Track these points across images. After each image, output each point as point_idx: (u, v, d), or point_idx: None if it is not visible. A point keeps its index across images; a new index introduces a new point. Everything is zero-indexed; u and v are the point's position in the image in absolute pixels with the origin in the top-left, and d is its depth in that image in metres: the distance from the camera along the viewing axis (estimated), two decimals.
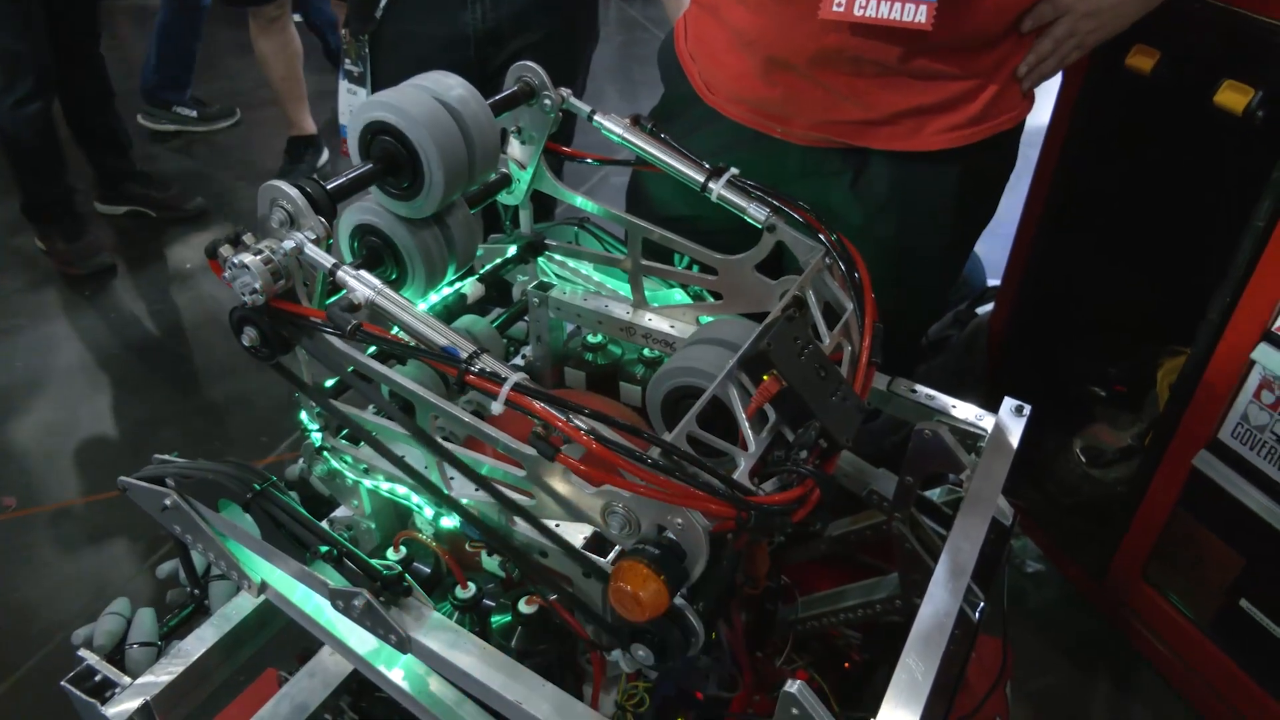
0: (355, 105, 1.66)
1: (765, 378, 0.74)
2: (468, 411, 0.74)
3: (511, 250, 1.09)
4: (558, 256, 1.11)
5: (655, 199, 1.21)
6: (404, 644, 0.76)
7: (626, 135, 0.96)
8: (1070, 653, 1.65)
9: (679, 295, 1.08)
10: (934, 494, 1.01)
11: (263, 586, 0.86)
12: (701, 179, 0.94)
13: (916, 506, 0.97)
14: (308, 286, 0.77)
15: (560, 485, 0.72)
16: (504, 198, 1.05)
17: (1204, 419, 1.32)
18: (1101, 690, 1.61)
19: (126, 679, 0.89)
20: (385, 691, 0.83)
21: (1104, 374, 1.71)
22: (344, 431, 0.89)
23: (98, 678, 0.90)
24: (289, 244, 0.72)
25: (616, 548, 0.75)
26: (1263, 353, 1.22)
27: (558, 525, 0.77)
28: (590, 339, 1.14)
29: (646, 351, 1.11)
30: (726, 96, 1.14)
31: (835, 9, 0.95)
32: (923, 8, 0.91)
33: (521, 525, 0.78)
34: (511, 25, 1.62)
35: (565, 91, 0.97)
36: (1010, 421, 0.98)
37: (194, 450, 2.05)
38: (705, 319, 1.00)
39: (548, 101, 0.97)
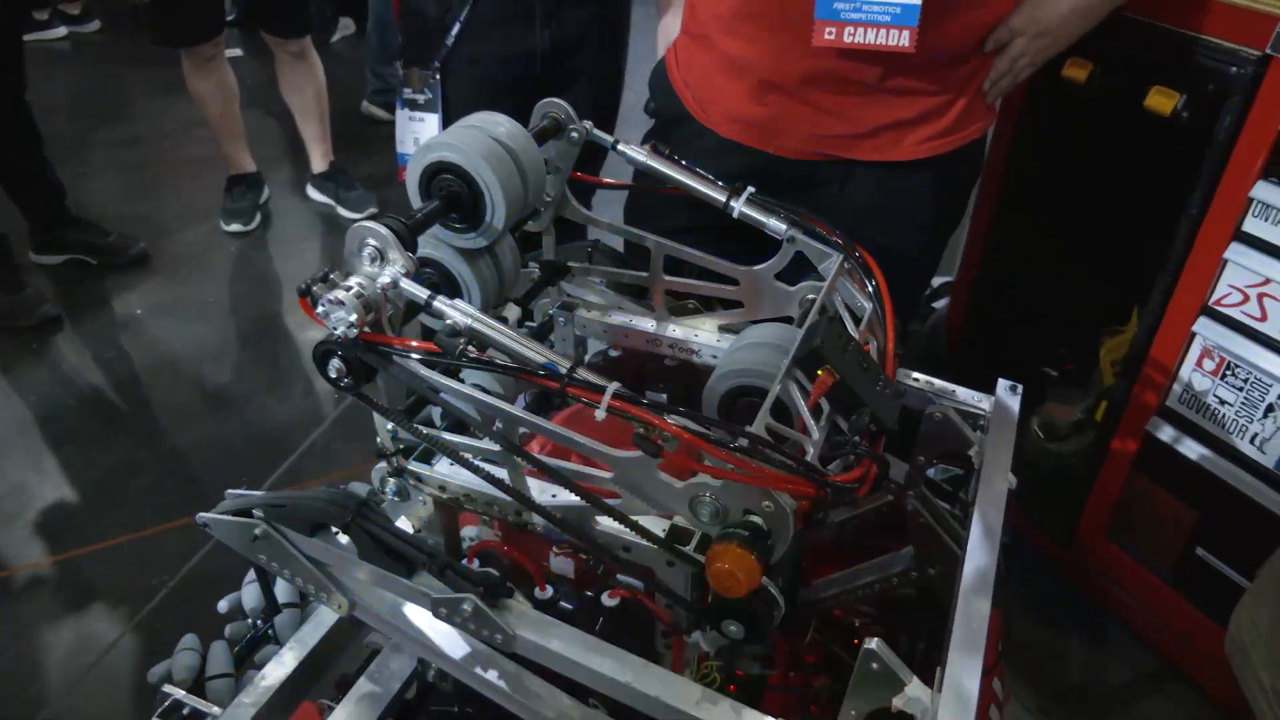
0: (423, 132, 1.73)
1: (819, 372, 0.84)
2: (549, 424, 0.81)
3: (536, 273, 1.16)
4: (578, 279, 1.18)
5: (655, 218, 1.29)
6: (509, 641, 0.81)
7: (650, 162, 1.04)
8: (1044, 616, 1.79)
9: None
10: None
11: (353, 605, 0.90)
12: (723, 199, 1.03)
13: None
14: (392, 318, 0.83)
15: (649, 484, 0.79)
16: (529, 225, 1.12)
17: (1154, 389, 1.47)
18: (1075, 648, 1.75)
19: (216, 709, 0.92)
20: (481, 692, 0.89)
21: (1054, 355, 1.87)
22: (414, 454, 0.94)
23: (186, 710, 0.93)
24: (385, 279, 0.78)
25: (696, 537, 0.84)
26: (1202, 325, 1.38)
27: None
28: (612, 354, 1.21)
29: (667, 363, 1.19)
30: (721, 117, 1.23)
31: (827, 37, 1.06)
32: (905, 32, 1.03)
33: (603, 524, 0.85)
34: (572, 42, 1.71)
35: (588, 124, 1.05)
36: (1008, 398, 1.10)
37: (175, 494, 2.05)
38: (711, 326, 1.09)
39: (574, 134, 1.04)
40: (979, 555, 0.90)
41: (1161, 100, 1.34)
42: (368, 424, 2.47)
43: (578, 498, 0.85)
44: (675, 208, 1.25)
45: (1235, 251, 1.30)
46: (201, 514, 0.93)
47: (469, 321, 0.77)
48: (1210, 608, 1.50)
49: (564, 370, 0.75)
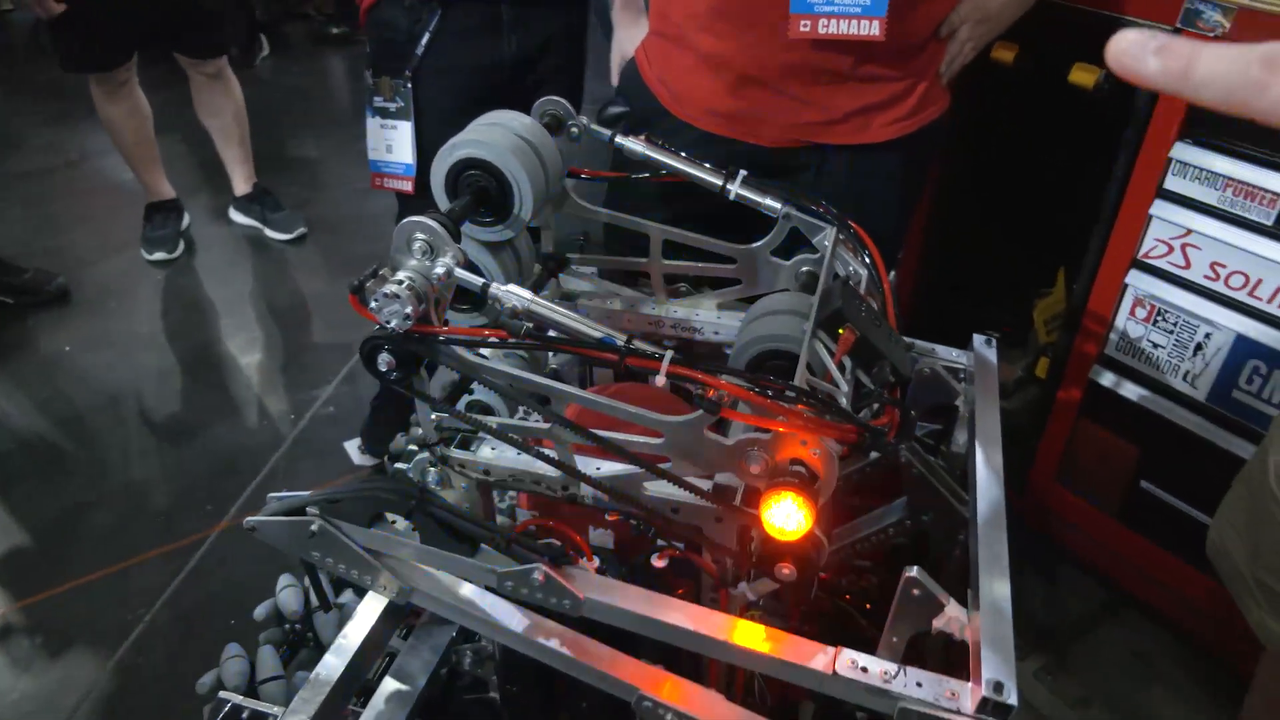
0: (396, 140, 1.75)
1: (841, 331, 0.91)
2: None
3: (537, 267, 1.20)
4: (576, 269, 1.23)
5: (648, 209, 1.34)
6: (578, 605, 0.86)
7: (648, 152, 1.10)
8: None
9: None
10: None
11: (410, 592, 0.93)
12: (719, 182, 1.09)
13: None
14: (438, 309, 0.86)
15: (699, 445, 0.85)
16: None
17: (1093, 339, 1.61)
18: (1037, 589, 1.88)
19: (276, 709, 0.93)
20: (545, 661, 0.92)
21: (992, 320, 2.00)
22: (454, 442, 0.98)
23: (245, 714, 0.94)
24: (439, 269, 0.82)
25: (739, 493, 0.90)
26: (1133, 277, 1.52)
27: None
28: None
29: (666, 343, 1.25)
30: (699, 111, 1.30)
31: (802, 29, 1.14)
32: (875, 22, 1.12)
33: (651, 489, 0.91)
34: (538, 49, 1.75)
35: (584, 120, 1.10)
36: (984, 350, 1.20)
37: (138, 528, 2.00)
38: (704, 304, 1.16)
39: (574, 130, 1.09)
40: (988, 487, 0.99)
41: (1084, 76, 1.47)
42: (331, 442, 2.51)
43: (621, 469, 0.91)
44: (663, 198, 1.32)
45: (1159, 208, 1.44)
46: (249, 518, 0.94)
47: (527, 304, 0.82)
48: (1157, 536, 1.65)
49: (621, 343, 0.81)
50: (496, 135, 0.93)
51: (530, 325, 0.81)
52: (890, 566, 1.34)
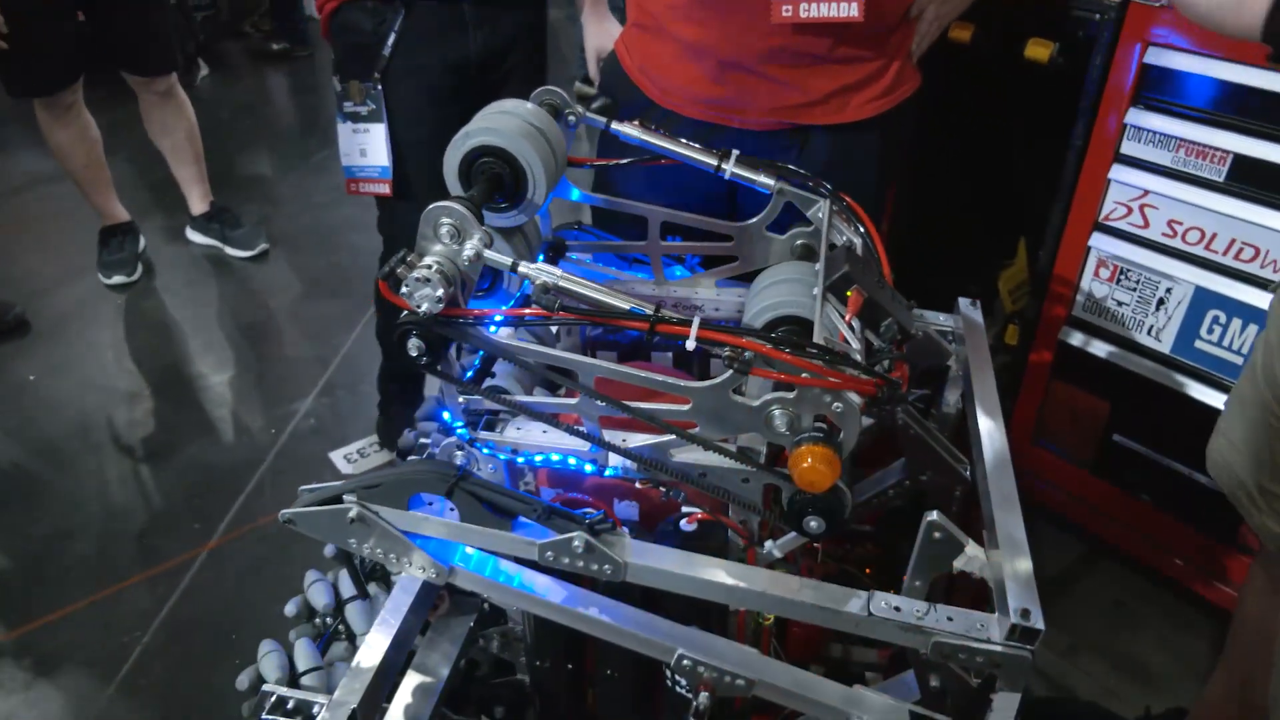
0: (369, 143, 1.76)
1: (849, 294, 0.96)
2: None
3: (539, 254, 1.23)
4: (575, 255, 1.26)
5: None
6: (619, 570, 0.89)
7: (645, 136, 1.14)
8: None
9: (680, 270, 1.28)
10: None
11: (451, 572, 0.95)
12: (714, 163, 1.13)
13: None
14: (465, 293, 0.89)
15: (726, 408, 0.89)
16: None
17: (1061, 302, 1.69)
18: None
19: (323, 697, 0.95)
20: (585, 630, 0.95)
21: (958, 291, 2.07)
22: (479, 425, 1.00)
23: (291, 704, 0.95)
24: (469, 251, 0.85)
25: (762, 455, 0.94)
26: (1096, 239, 1.60)
27: (705, 451, 0.94)
28: None
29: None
30: (682, 99, 1.34)
31: (784, 14, 1.19)
32: (854, 4, 1.17)
33: (679, 456, 0.94)
34: (503, 47, 1.77)
35: (580, 109, 1.14)
36: (970, 312, 1.26)
37: (124, 553, 1.97)
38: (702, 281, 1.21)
39: (571, 119, 1.13)
40: (991, 434, 1.05)
41: (1039, 50, 1.55)
42: (315, 454, 2.50)
43: (649, 439, 0.94)
44: (653, 183, 1.35)
45: (1117, 171, 1.53)
46: (284, 510, 0.95)
47: (557, 279, 0.85)
48: (1131, 486, 1.73)
49: (649, 312, 0.84)
50: (508, 123, 0.96)
51: (560, 302, 0.84)
52: (887, 532, 1.40)
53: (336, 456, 2.26)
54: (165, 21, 2.82)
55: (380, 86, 1.69)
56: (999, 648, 0.83)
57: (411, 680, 1.08)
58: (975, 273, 2.08)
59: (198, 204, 3.19)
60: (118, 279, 3.01)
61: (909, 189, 1.94)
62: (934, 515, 0.90)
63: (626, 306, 0.85)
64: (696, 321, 0.83)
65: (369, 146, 1.73)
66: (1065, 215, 1.62)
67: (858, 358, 0.93)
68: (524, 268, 0.85)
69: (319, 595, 1.09)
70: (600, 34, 1.65)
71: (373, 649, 0.98)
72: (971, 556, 0.91)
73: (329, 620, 1.09)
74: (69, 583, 1.95)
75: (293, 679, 1.01)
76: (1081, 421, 1.76)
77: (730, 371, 0.84)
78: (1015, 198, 1.93)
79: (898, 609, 0.86)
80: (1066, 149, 1.57)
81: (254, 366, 2.67)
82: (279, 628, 1.13)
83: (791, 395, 0.86)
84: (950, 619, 0.86)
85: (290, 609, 1.10)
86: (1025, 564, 0.89)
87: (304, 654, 1.02)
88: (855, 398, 0.86)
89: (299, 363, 2.67)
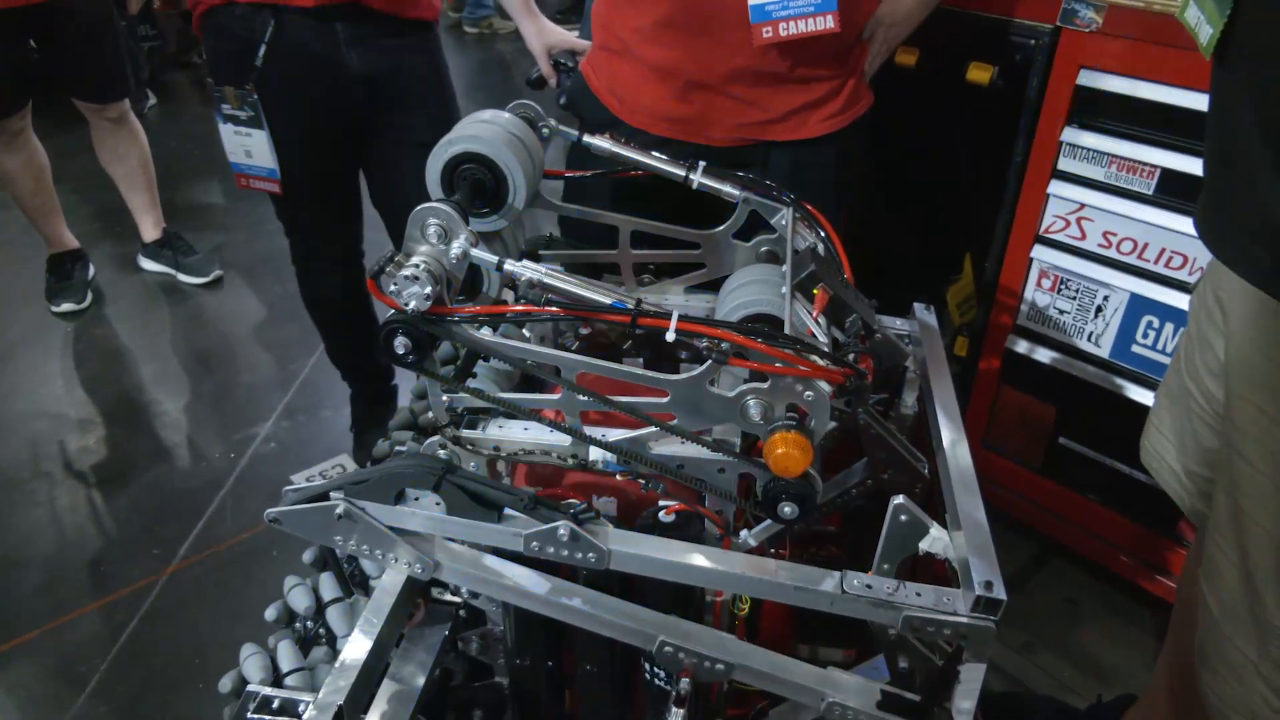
0: (252, 145, 1.80)
1: (815, 291, 1.01)
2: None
3: None
4: (547, 266, 1.30)
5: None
6: (603, 558, 0.92)
7: (615, 148, 1.19)
8: None
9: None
10: None
11: (436, 566, 0.97)
12: (682, 173, 1.19)
13: None
14: (450, 292, 0.92)
15: (703, 399, 0.93)
16: None
17: (1007, 311, 1.78)
18: None
19: (308, 695, 0.96)
20: (567, 620, 0.97)
21: (907, 306, 2.16)
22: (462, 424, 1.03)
23: (276, 703, 0.95)
24: (456, 250, 0.88)
25: (737, 443, 0.98)
26: (1038, 251, 1.69)
27: (683, 444, 0.98)
28: (582, 331, 1.34)
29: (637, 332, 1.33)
30: (649, 118, 1.40)
31: (765, 35, 1.25)
32: (830, 16, 1.24)
33: (657, 449, 0.98)
34: (391, 68, 1.80)
35: (553, 122, 1.18)
36: (925, 316, 1.33)
37: (79, 581, 1.93)
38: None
39: (545, 131, 1.17)
40: (948, 424, 1.10)
41: (979, 73, 1.64)
42: (277, 477, 2.49)
43: (625, 435, 0.98)
44: (621, 195, 1.40)
45: (1055, 187, 1.62)
46: (270, 510, 0.96)
47: (541, 276, 0.89)
48: (1078, 486, 1.81)
49: (630, 305, 0.88)
50: (490, 130, 1.00)
51: (546, 297, 0.88)
52: (851, 531, 1.45)
53: (299, 479, 2.22)
54: (118, 48, 2.81)
55: (255, 95, 1.72)
56: (965, 619, 0.88)
57: (387, 689, 1.08)
58: (924, 288, 2.15)
59: (150, 231, 3.16)
60: (67, 307, 2.96)
61: (860, 208, 2.02)
62: (900, 499, 0.96)
63: (609, 300, 0.89)
64: (675, 315, 0.87)
65: (253, 149, 1.77)
66: (1008, 229, 1.71)
67: (826, 350, 0.98)
68: (509, 265, 0.89)
69: (299, 599, 1.10)
70: (541, 32, 1.70)
71: (356, 647, 0.99)
72: (935, 538, 0.96)
73: (309, 624, 1.10)
74: (22, 612, 1.90)
75: (276, 681, 1.01)
76: (1029, 426, 1.84)
77: (706, 364, 0.89)
78: (961, 215, 2.02)
79: (869, 586, 0.91)
80: (1008, 166, 1.66)
81: (211, 392, 2.64)
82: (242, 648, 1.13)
83: (765, 386, 0.91)
84: (919, 594, 0.90)
85: (270, 613, 1.11)
86: (986, 542, 0.94)
87: (287, 655, 1.03)
88: (825, 386, 0.91)
89: (257, 387, 2.64)
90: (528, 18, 1.73)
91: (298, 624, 1.11)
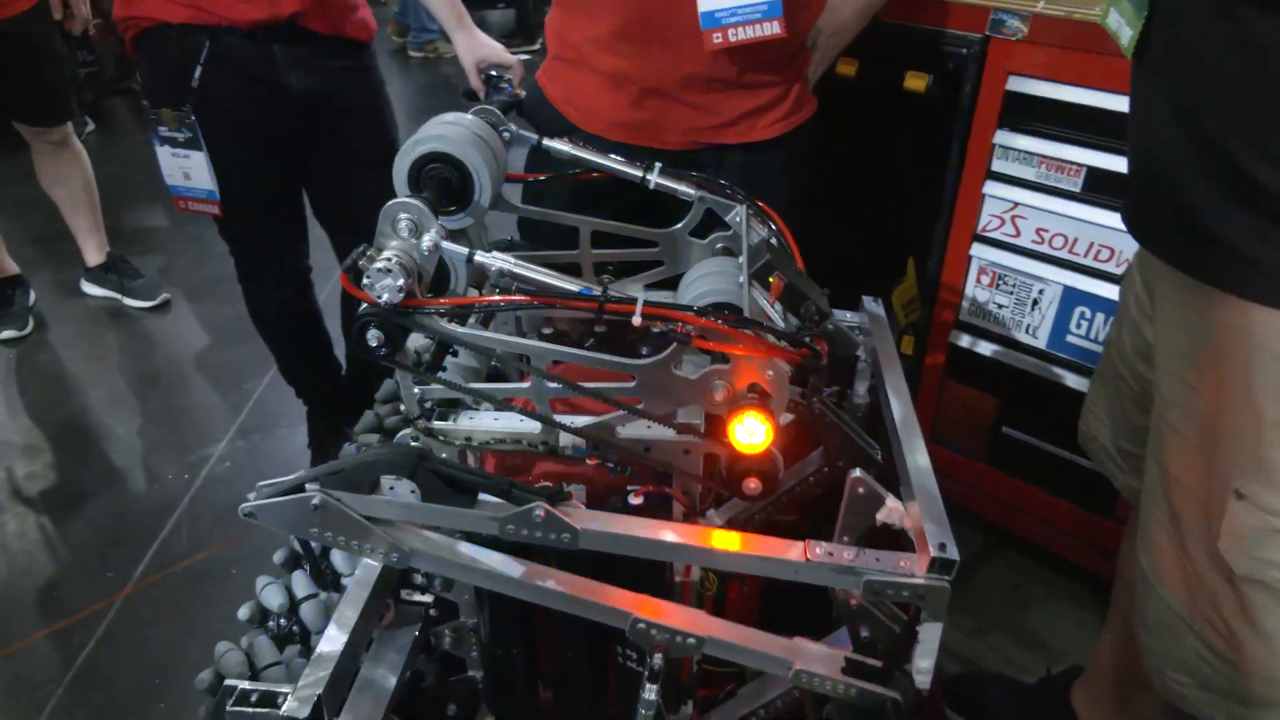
0: (191, 167, 1.80)
1: (770, 280, 1.06)
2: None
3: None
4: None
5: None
6: (576, 538, 0.95)
7: (575, 151, 1.23)
8: None
9: None
10: None
11: (410, 554, 0.99)
12: (640, 174, 1.23)
13: None
14: (421, 285, 0.95)
15: (668, 382, 0.97)
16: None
17: (950, 308, 1.86)
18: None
19: (286, 686, 0.97)
20: (543, 602, 1.00)
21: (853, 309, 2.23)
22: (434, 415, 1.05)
23: (255, 696, 0.96)
24: (428, 241, 0.91)
25: (703, 425, 1.03)
26: (976, 249, 1.77)
27: (650, 427, 1.02)
28: (544, 331, 1.37)
29: (598, 329, 1.37)
30: (605, 125, 1.45)
31: (715, 41, 1.31)
32: (776, 22, 1.30)
33: (624, 433, 1.02)
34: (331, 87, 1.82)
35: (513, 127, 1.22)
36: (874, 308, 1.39)
37: (33, 608, 1.89)
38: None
39: (505, 135, 1.21)
40: (899, 404, 1.16)
41: (916, 81, 1.72)
42: (233, 497, 2.51)
43: (593, 421, 1.02)
44: (578, 197, 1.44)
45: (990, 187, 1.70)
46: (246, 504, 0.97)
47: (511, 266, 0.92)
48: (1022, 474, 1.89)
49: (597, 293, 0.92)
50: (455, 131, 1.03)
51: (516, 285, 0.91)
52: (810, 521, 1.50)
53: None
54: (59, 71, 2.78)
55: (193, 116, 1.72)
56: (922, 580, 0.93)
57: (359, 690, 1.10)
58: (870, 292, 2.24)
59: (94, 255, 3.11)
60: (8, 334, 2.90)
61: (807, 213, 2.09)
62: (857, 472, 1.01)
63: (576, 288, 0.92)
64: (640, 300, 0.91)
65: (191, 170, 1.77)
66: (948, 229, 1.79)
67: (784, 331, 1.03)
68: (480, 257, 0.93)
69: (272, 597, 1.11)
70: (473, 46, 1.74)
71: (332, 640, 1.01)
72: (892, 508, 1.01)
73: (283, 622, 1.11)
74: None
75: (253, 676, 1.02)
76: (973, 417, 1.92)
77: (671, 348, 0.93)
78: (903, 219, 2.10)
79: (831, 554, 0.95)
80: (946, 169, 1.75)
81: (162, 415, 2.61)
82: (203, 667, 1.12)
83: (727, 367, 0.96)
84: (878, 559, 0.95)
85: (243, 612, 1.11)
86: (939, 509, 0.99)
87: (263, 650, 1.04)
88: (785, 366, 0.96)
89: (210, 409, 2.62)
90: (459, 30, 1.77)
91: (271, 622, 1.11)
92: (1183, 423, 1.04)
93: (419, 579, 1.22)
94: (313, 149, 1.88)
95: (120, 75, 5.27)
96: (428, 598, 1.20)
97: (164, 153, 1.77)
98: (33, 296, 3.06)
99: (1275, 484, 0.95)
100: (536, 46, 6.24)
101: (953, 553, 0.93)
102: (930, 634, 0.96)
